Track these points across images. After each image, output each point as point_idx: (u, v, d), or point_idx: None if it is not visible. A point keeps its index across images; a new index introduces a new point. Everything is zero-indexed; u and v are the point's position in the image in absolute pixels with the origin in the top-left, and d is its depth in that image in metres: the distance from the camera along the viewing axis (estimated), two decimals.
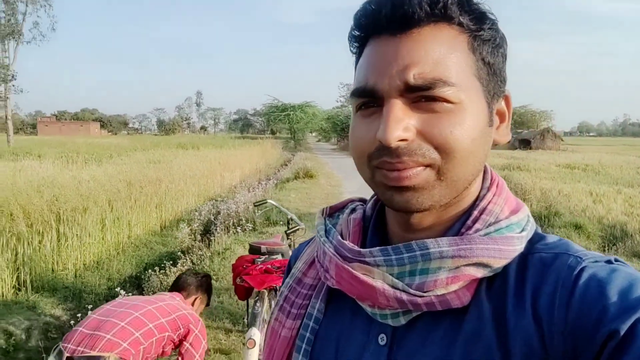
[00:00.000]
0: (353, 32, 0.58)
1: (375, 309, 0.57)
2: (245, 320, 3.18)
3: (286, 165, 19.58)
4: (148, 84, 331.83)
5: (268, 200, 3.80)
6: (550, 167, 18.09)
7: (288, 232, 3.41)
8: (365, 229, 0.65)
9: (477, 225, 0.55)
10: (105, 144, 29.07)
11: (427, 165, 0.51)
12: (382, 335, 0.58)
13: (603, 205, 8.75)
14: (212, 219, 8.14)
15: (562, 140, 43.45)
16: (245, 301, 3.03)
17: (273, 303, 2.98)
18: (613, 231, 7.20)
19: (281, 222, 7.72)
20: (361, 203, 0.72)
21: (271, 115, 45.30)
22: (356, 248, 0.58)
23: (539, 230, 0.58)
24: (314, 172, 14.93)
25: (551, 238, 0.56)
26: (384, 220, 0.65)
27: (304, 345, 0.64)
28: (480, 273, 0.52)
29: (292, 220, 3.60)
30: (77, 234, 5.97)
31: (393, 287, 0.54)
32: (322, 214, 0.71)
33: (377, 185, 0.55)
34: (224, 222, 7.67)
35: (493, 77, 0.55)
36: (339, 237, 0.62)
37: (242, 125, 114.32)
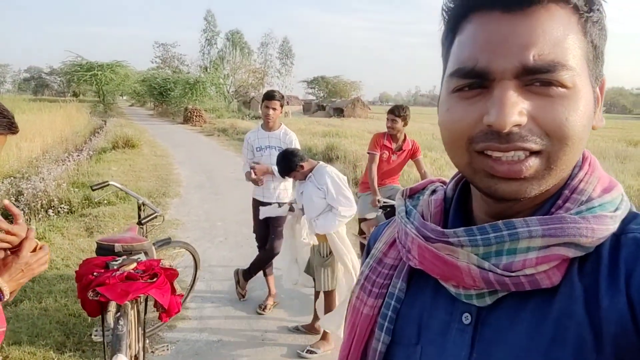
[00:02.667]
0: (449, 5, 0.55)
1: (459, 289, 0.57)
2: (95, 336, 2.54)
3: (97, 133, 17.36)
4: None
5: (110, 182, 3.12)
6: (363, 134, 19.68)
7: (143, 221, 2.84)
8: (446, 211, 0.64)
9: (568, 205, 0.54)
10: None
11: (536, 152, 0.50)
12: (467, 314, 0.57)
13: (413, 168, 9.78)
14: (13, 201, 6.68)
15: (369, 109, 47.72)
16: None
17: (141, 316, 2.43)
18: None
19: (106, 202, 6.73)
20: (442, 184, 0.71)
21: (74, 75, 39.89)
22: (439, 228, 0.58)
23: (634, 209, 0.56)
24: (135, 140, 13.49)
25: None
26: (466, 202, 0.64)
27: (386, 323, 0.65)
28: (571, 253, 0.51)
29: (144, 205, 3.02)
30: None
31: (479, 267, 0.53)
32: (403, 195, 0.71)
33: (476, 172, 0.53)
34: (30, 205, 6.39)
35: (597, 60, 0.53)
36: (421, 218, 0.62)
37: (36, 85, 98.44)
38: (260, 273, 4.00)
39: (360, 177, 9.07)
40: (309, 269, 3.34)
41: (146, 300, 2.23)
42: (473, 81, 0.51)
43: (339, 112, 43.88)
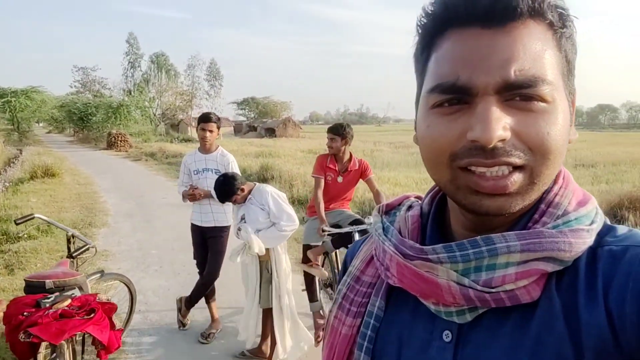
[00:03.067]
0: (424, 21, 0.55)
1: (439, 306, 0.57)
2: None
3: (13, 163, 16.14)
4: None
5: (35, 215, 2.92)
6: (296, 153, 19.88)
7: (74, 254, 2.68)
8: (424, 226, 0.64)
9: (544, 219, 0.54)
10: None
11: (520, 167, 0.50)
12: (447, 332, 0.57)
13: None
14: None
15: (301, 128, 48.16)
16: None
17: (78, 356, 2.29)
18: (363, 207, 8.25)
19: (26, 236, 6.25)
20: (417, 199, 0.71)
21: None
22: (418, 245, 0.58)
23: (608, 222, 0.57)
24: (55, 169, 12.68)
25: (621, 229, 0.55)
26: (443, 216, 0.64)
27: (365, 343, 0.64)
28: (550, 267, 0.51)
29: (74, 237, 2.85)
30: None
31: (459, 283, 0.53)
32: (379, 212, 0.70)
33: (459, 188, 0.53)
34: None
35: (570, 74, 0.54)
36: (399, 235, 0.62)
37: None
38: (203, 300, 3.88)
39: (297, 196, 9.21)
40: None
41: (83, 338, 2.10)
42: (453, 97, 0.52)
43: (271, 132, 43.95)
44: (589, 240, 0.52)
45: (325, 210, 3.69)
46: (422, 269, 0.56)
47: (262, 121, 50.55)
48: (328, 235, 3.50)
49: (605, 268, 0.50)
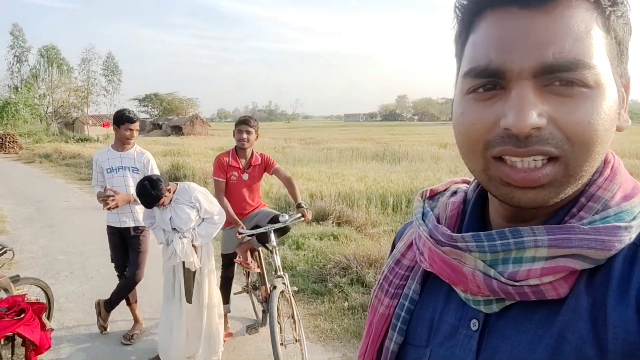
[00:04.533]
0: (462, 1, 0.52)
1: (467, 294, 0.56)
2: None
3: None
4: None
5: None
6: (206, 151, 19.49)
7: None
8: (464, 213, 0.62)
9: (582, 213, 0.51)
10: None
11: (555, 157, 0.47)
12: (475, 320, 0.57)
13: (266, 181, 10.11)
14: None
15: (209, 125, 47.09)
16: None
17: (17, 352, 2.22)
18: (279, 202, 8.42)
19: None
20: (466, 184, 0.69)
21: None
22: (448, 232, 0.57)
23: None
24: None
25: None
26: (484, 204, 0.62)
27: (399, 324, 0.65)
28: (579, 265, 0.48)
29: None
30: None
31: (485, 273, 0.52)
32: (422, 197, 0.68)
33: (491, 179, 0.51)
34: None
35: (622, 57, 0.51)
36: (434, 221, 0.61)
37: None
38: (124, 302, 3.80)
39: (213, 194, 9.03)
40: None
41: (13, 340, 2.06)
42: (487, 81, 0.49)
43: (178, 130, 42.47)
44: (626, 237, 0.48)
45: (242, 217, 3.53)
46: (450, 256, 0.56)
47: (167, 119, 48.58)
48: (247, 237, 3.35)
49: None
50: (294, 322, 3.16)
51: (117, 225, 3.67)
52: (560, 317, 0.49)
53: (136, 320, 3.83)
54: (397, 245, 0.73)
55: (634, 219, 0.50)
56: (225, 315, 3.77)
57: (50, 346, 2.17)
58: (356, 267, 4.61)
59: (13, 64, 48.65)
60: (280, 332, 2.94)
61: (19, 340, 2.10)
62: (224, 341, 3.59)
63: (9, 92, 42.66)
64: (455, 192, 0.67)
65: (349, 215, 6.98)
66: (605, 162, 0.55)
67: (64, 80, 48.85)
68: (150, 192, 2.88)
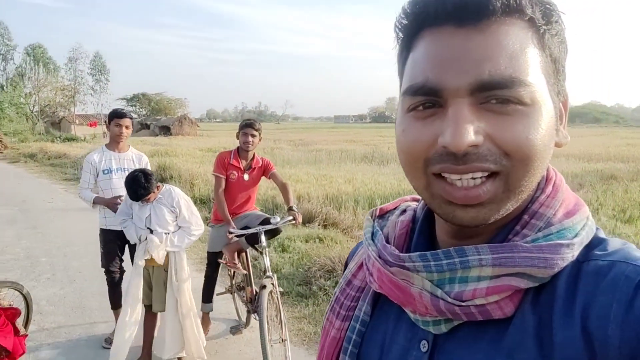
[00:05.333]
0: (402, 21, 0.52)
1: (417, 315, 0.56)
2: None
3: None
4: None
5: None
6: (195, 152, 19.38)
7: None
8: (413, 231, 0.62)
9: (525, 231, 0.51)
10: None
11: (494, 174, 0.48)
12: (424, 341, 0.56)
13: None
14: None
15: (198, 126, 46.81)
16: None
17: None
18: (267, 205, 8.39)
19: None
20: (415, 202, 0.68)
21: None
22: (396, 252, 0.56)
23: (601, 234, 0.53)
24: None
25: (613, 243, 0.51)
26: (432, 222, 0.62)
27: (350, 347, 0.63)
28: (523, 284, 0.48)
29: None
30: None
31: (432, 293, 0.52)
32: (372, 216, 0.68)
33: (434, 197, 0.51)
34: None
35: (557, 74, 0.51)
36: (383, 241, 0.60)
37: None
38: (108, 305, 3.75)
39: (199, 195, 9.02)
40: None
41: None
42: (425, 99, 0.50)
43: (166, 130, 42.11)
44: (569, 255, 0.49)
45: (233, 216, 3.57)
46: (398, 277, 0.55)
47: (155, 119, 48.17)
48: (236, 237, 3.39)
49: (587, 285, 0.47)
50: (281, 322, 3.15)
51: (117, 227, 3.48)
52: (508, 337, 0.49)
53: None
54: (349, 266, 0.71)
55: (575, 235, 0.50)
56: (207, 314, 3.77)
57: (24, 352, 2.12)
58: (341, 270, 4.58)
59: None
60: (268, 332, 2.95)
61: None
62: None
63: None
64: (404, 211, 0.66)
65: (336, 217, 6.97)
66: (547, 179, 0.55)
67: (50, 79, 48.35)
68: (142, 184, 2.91)
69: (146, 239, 3.05)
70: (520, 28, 0.48)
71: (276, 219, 3.35)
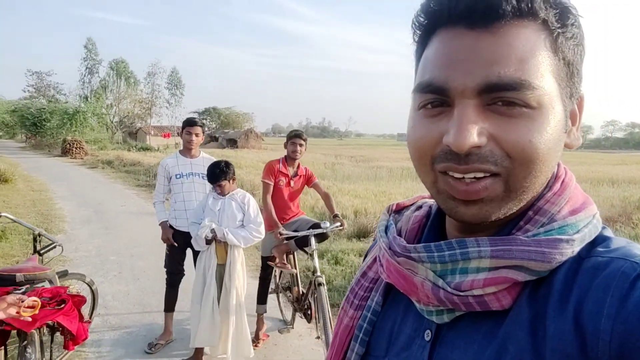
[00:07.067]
0: (419, 19, 0.54)
1: (421, 305, 0.57)
2: None
3: None
4: None
5: (2, 213, 2.96)
6: (258, 164, 19.89)
7: (42, 251, 2.75)
8: (426, 226, 0.64)
9: (528, 226, 0.52)
10: None
11: (496, 174, 0.48)
12: (428, 331, 0.58)
13: (311, 196, 10.21)
14: None
15: (262, 139, 48.14)
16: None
17: (48, 346, 2.37)
18: (315, 213, 8.46)
19: None
20: (432, 200, 0.69)
21: None
22: (403, 243, 0.58)
23: (608, 233, 0.54)
24: (8, 175, 12.29)
25: (617, 241, 0.51)
26: (444, 219, 0.63)
27: (361, 335, 0.66)
28: (520, 276, 0.49)
29: (40, 236, 2.92)
30: None
31: (433, 283, 0.54)
32: (388, 211, 0.71)
33: (439, 193, 0.53)
34: None
35: (571, 77, 0.51)
36: (394, 233, 0.63)
37: None
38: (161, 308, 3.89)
39: (260, 205, 9.22)
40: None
41: (53, 328, 2.19)
42: (433, 97, 0.51)
43: (233, 143, 43.70)
44: (568, 251, 0.49)
45: (283, 222, 3.73)
46: (404, 267, 0.57)
47: (223, 132, 50.17)
48: (286, 239, 3.57)
49: (584, 280, 0.47)
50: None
51: (185, 230, 3.60)
52: (503, 328, 0.50)
53: (166, 330, 3.82)
54: (366, 259, 0.75)
55: (577, 232, 0.50)
56: (262, 315, 3.92)
57: (86, 337, 2.29)
58: None
59: (85, 75, 52.13)
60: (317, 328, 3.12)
61: (58, 330, 2.23)
62: (262, 340, 3.78)
63: (79, 102, 45.61)
64: (420, 207, 0.68)
65: None
66: (556, 177, 0.55)
67: (130, 92, 51.71)
68: (222, 167, 3.21)
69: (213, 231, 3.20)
70: (533, 31, 0.48)
71: (326, 224, 3.54)
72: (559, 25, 0.49)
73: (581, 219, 0.52)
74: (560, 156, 0.54)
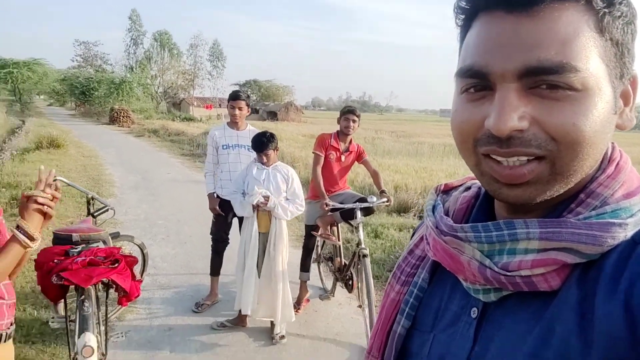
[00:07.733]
0: (460, 3, 0.54)
1: (468, 283, 0.58)
2: (53, 324, 2.57)
3: (16, 133, 16.30)
4: None
5: (57, 177, 3.08)
6: (297, 137, 20.01)
7: (95, 214, 2.87)
8: (474, 207, 0.64)
9: (579, 209, 0.51)
10: None
11: (540, 157, 0.48)
12: (475, 308, 0.58)
13: (351, 170, 10.17)
14: None
15: (302, 113, 48.17)
16: (55, 304, 2.44)
17: (101, 301, 2.49)
18: (363, 191, 8.43)
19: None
20: None
21: None
22: (450, 222, 0.59)
23: None
24: (60, 141, 12.85)
25: None
26: (492, 199, 0.63)
27: (407, 309, 0.67)
28: (570, 259, 0.49)
29: (94, 199, 3.04)
30: None
31: (480, 262, 0.54)
32: (436, 191, 0.71)
33: (483, 174, 0.53)
34: None
35: (621, 58, 0.50)
36: (442, 212, 0.63)
37: None
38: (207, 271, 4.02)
39: (300, 177, 9.31)
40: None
41: (107, 286, 2.30)
42: (474, 82, 0.51)
43: (273, 115, 43.91)
44: (621, 234, 0.48)
45: (329, 194, 3.76)
46: (451, 245, 0.58)
47: (264, 104, 50.43)
48: (332, 210, 3.60)
49: (636, 264, 0.46)
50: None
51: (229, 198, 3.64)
52: (550, 308, 0.50)
53: (212, 292, 3.97)
54: (413, 237, 0.76)
55: (631, 216, 0.50)
56: (305, 283, 4.00)
57: (139, 294, 2.39)
58: None
59: (130, 46, 53.39)
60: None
61: (112, 287, 2.34)
62: (304, 306, 3.89)
63: (125, 72, 46.80)
64: (469, 188, 0.68)
65: None
66: (610, 160, 0.54)
67: (173, 64, 52.69)
68: (268, 136, 3.29)
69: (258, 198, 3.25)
70: (575, 12, 0.47)
71: (372, 199, 3.55)
72: (604, 4, 0.48)
73: (636, 202, 0.51)
74: (611, 137, 0.53)
